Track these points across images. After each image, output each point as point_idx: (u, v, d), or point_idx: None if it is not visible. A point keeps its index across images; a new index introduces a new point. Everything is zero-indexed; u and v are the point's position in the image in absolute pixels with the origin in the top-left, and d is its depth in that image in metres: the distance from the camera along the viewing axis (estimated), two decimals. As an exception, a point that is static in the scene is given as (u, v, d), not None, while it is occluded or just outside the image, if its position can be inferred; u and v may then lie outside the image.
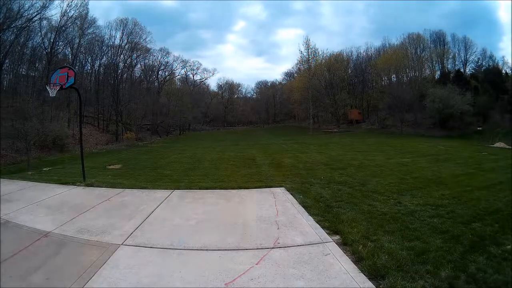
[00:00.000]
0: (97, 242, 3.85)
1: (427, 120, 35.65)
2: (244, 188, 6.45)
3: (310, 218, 4.54)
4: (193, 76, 65.64)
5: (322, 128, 47.58)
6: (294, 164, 10.13)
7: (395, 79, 49.66)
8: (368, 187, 6.61)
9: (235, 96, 73.00)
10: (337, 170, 8.76)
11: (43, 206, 5.44)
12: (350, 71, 55.41)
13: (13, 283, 3.01)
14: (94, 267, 3.22)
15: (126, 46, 45.99)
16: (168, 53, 56.62)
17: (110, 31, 45.13)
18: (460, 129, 31.75)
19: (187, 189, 6.55)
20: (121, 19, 45.83)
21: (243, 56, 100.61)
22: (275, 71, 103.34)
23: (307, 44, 51.99)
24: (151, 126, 46.06)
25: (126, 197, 5.95)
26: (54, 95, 7.48)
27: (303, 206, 5.07)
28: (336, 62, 53.17)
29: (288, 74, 68.67)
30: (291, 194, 5.89)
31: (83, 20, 39.13)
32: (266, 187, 6.51)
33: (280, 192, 6.06)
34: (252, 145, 22.03)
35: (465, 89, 33.77)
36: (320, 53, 53.53)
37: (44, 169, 11.46)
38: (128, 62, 47.59)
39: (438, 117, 33.46)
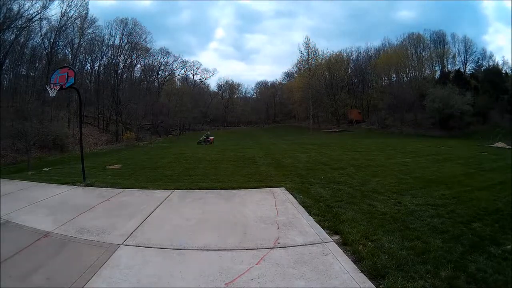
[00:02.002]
0: (97, 242, 3.85)
1: (427, 120, 35.69)
2: (244, 188, 6.45)
3: (310, 218, 4.54)
4: (193, 76, 65.82)
5: (322, 128, 47.61)
6: (294, 164, 10.13)
7: (395, 79, 49.72)
8: (368, 187, 6.61)
9: (235, 96, 73.04)
10: (337, 170, 8.76)
11: (43, 206, 5.44)
12: (350, 71, 55.45)
13: (13, 283, 3.01)
14: (94, 267, 3.22)
15: (126, 46, 46.11)
16: (168, 53, 56.75)
17: (110, 31, 45.22)
18: (460, 129, 31.79)
19: (187, 189, 6.55)
20: (121, 19, 45.93)
21: (226, 60, 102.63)
22: (256, 72, 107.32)
23: (307, 44, 52.15)
24: (151, 126, 46.10)
25: (126, 197, 5.95)
26: (54, 95, 7.47)
27: (303, 206, 5.07)
28: (336, 62, 53.23)
29: (288, 74, 68.82)
30: (291, 194, 5.89)
31: (83, 20, 39.20)
32: (266, 187, 6.51)
33: (280, 192, 6.05)
34: (252, 145, 22.04)
35: (465, 89, 33.79)
36: (320, 53, 53.66)
37: (44, 169, 11.45)
38: (128, 62, 47.72)
39: (438, 117, 33.49)
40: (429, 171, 8.71)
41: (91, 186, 6.98)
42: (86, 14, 39.60)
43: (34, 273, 3.15)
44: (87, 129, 35.83)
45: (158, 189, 6.59)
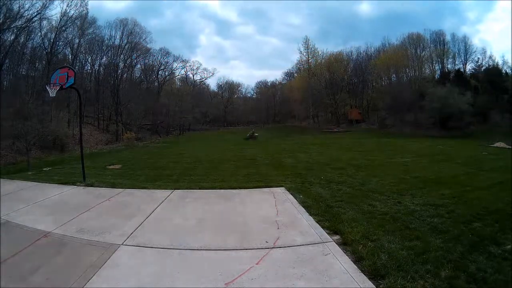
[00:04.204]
0: (97, 242, 3.85)
1: (427, 120, 35.66)
2: (244, 188, 6.45)
3: (310, 218, 4.54)
4: (193, 76, 65.67)
5: (322, 128, 47.55)
6: (294, 164, 10.14)
7: (395, 79, 49.70)
8: (368, 187, 6.61)
9: (235, 96, 72.95)
10: (337, 170, 8.76)
11: (43, 206, 5.44)
12: (350, 71, 55.42)
13: (13, 283, 3.01)
14: (94, 267, 3.22)
15: (126, 46, 45.98)
16: (168, 53, 56.67)
17: (110, 31, 45.16)
18: (460, 129, 31.77)
19: (187, 189, 6.55)
20: (121, 19, 45.89)
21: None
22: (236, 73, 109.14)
23: (306, 44, 52.17)
24: (151, 126, 46.05)
25: (126, 197, 5.95)
26: (54, 95, 7.47)
27: (303, 206, 5.07)
28: (336, 62, 53.22)
29: (288, 74, 68.74)
30: (291, 194, 5.89)
31: (83, 20, 39.14)
32: (266, 187, 6.51)
33: (280, 192, 6.06)
34: (252, 145, 22.05)
35: (465, 89, 33.77)
36: (320, 53, 53.66)
37: (44, 169, 11.45)
38: (128, 62, 47.59)
39: (438, 117, 33.48)
40: (429, 171, 8.72)
41: (91, 186, 6.98)
42: (86, 14, 39.58)
43: (34, 273, 3.15)
44: (87, 129, 35.81)
45: (158, 189, 6.60)
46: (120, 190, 6.50)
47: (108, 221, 4.56)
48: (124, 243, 3.80)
